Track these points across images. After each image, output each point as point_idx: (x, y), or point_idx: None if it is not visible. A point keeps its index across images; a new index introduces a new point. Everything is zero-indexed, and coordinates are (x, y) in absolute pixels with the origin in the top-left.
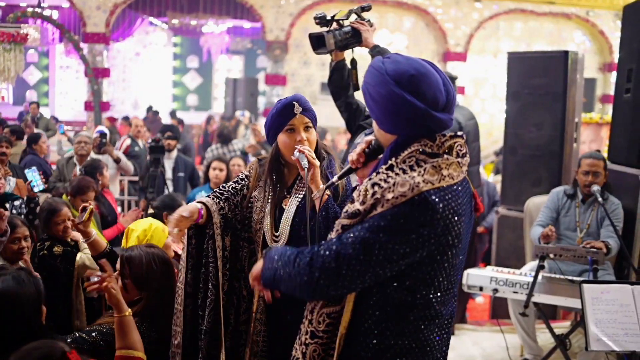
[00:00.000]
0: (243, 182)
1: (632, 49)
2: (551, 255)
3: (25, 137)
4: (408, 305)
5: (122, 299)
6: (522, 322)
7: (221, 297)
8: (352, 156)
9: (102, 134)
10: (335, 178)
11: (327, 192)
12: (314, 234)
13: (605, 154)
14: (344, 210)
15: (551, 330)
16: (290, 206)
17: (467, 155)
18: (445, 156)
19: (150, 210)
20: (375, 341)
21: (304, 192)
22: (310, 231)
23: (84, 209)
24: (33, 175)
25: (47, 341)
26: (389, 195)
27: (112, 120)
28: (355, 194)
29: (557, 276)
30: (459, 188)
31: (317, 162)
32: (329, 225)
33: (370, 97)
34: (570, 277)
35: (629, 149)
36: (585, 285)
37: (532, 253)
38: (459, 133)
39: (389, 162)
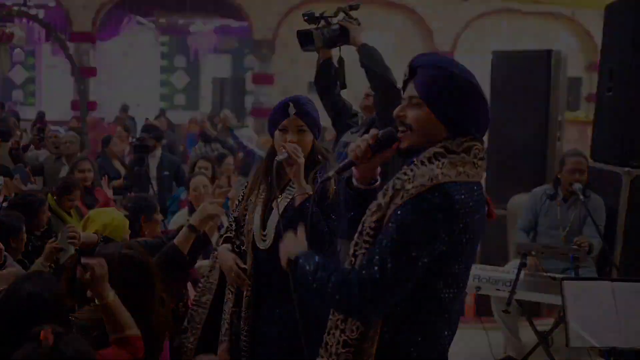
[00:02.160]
0: (244, 190)
1: (613, 48)
2: (533, 253)
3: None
4: (423, 300)
5: (107, 283)
6: (505, 319)
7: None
8: (357, 152)
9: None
10: (331, 172)
11: (309, 191)
12: (280, 233)
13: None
14: (368, 208)
15: (533, 327)
16: (280, 206)
17: (485, 160)
18: (462, 154)
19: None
20: (386, 337)
21: (294, 192)
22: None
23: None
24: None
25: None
26: (409, 186)
27: (79, 119)
28: (379, 194)
29: (539, 273)
30: (474, 187)
31: (301, 160)
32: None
33: (451, 81)
34: (552, 274)
35: (611, 147)
36: (565, 282)
37: (514, 251)
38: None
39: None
